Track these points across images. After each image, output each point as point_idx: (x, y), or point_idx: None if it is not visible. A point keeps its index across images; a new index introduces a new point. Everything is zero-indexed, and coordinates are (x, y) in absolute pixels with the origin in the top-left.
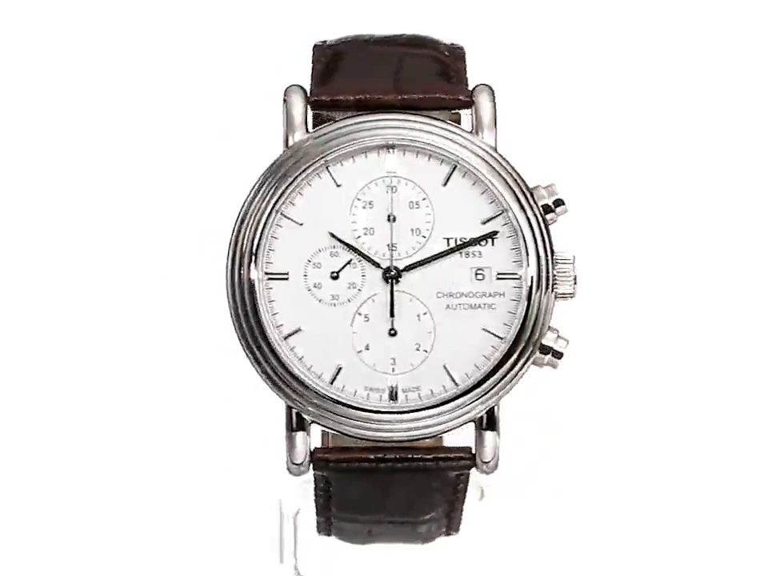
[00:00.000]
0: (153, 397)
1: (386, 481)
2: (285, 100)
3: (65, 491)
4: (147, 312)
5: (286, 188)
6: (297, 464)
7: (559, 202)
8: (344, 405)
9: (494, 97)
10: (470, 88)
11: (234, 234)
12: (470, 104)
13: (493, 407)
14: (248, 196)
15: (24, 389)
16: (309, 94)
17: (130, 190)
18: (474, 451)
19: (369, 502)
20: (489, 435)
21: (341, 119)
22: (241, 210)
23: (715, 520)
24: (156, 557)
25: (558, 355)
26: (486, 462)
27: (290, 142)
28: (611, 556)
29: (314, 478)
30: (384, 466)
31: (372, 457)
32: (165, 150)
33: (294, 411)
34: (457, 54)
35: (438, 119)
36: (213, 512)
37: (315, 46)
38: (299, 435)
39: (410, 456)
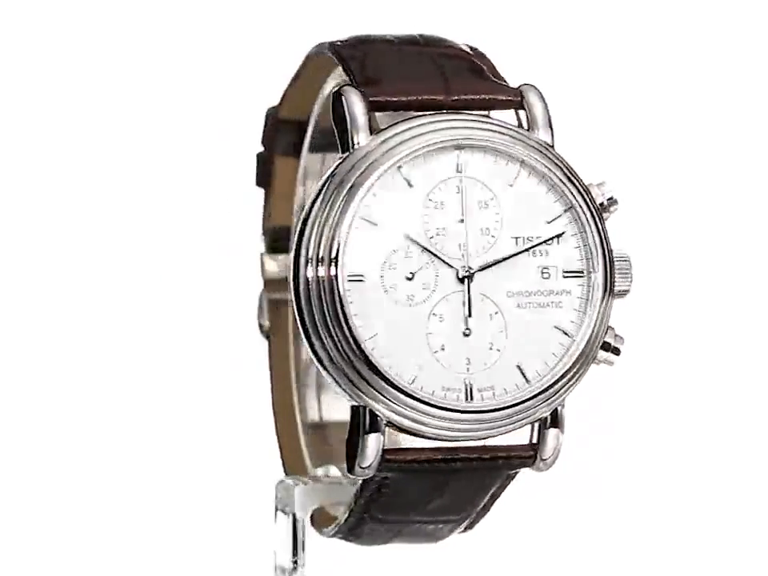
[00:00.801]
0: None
1: (444, 480)
2: (338, 99)
3: (64, 491)
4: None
5: (363, 190)
6: (364, 467)
7: (613, 201)
8: (426, 403)
9: (542, 96)
10: (515, 88)
11: (304, 236)
12: (521, 104)
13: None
14: (315, 197)
15: (27, 392)
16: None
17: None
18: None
19: (418, 502)
20: (552, 432)
21: (404, 120)
22: (309, 211)
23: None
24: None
25: (617, 352)
26: (543, 460)
27: (354, 143)
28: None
29: (364, 480)
30: (448, 466)
31: (440, 457)
32: (165, 150)
33: (368, 412)
34: (479, 54)
35: (496, 119)
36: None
37: (335, 45)
38: (372, 437)
39: (473, 456)
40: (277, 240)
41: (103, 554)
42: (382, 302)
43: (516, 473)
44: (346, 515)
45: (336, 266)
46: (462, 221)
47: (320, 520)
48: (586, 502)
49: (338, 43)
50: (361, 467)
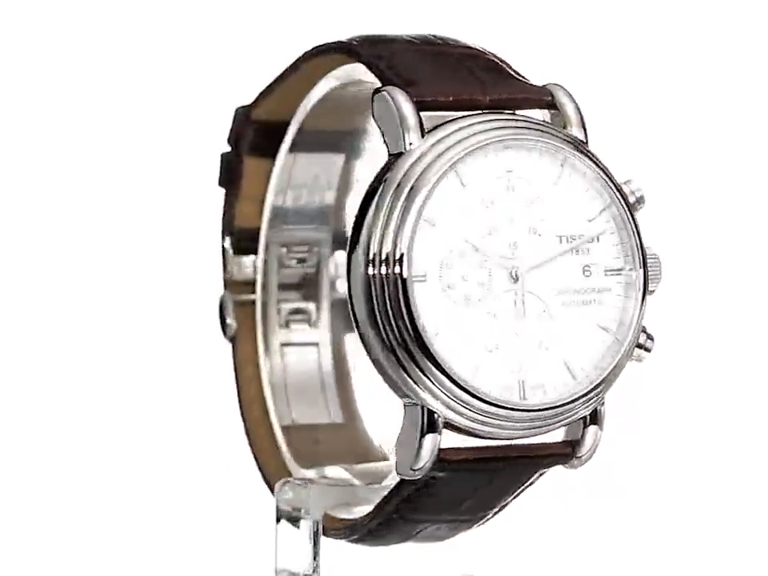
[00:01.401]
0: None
1: (486, 479)
2: (381, 99)
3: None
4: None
5: (423, 192)
6: (417, 469)
7: (641, 199)
8: (484, 401)
9: (571, 95)
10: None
11: (361, 238)
12: (551, 103)
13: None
14: (369, 199)
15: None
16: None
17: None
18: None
19: (454, 501)
20: (592, 430)
21: (451, 121)
22: (364, 213)
23: None
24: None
25: (648, 350)
26: (578, 457)
27: (407, 143)
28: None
29: (402, 480)
30: (494, 465)
31: (490, 456)
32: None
33: (426, 411)
34: (493, 54)
35: (537, 118)
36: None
37: (351, 45)
38: (429, 438)
39: (516, 454)
40: (243, 241)
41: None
42: (442, 302)
43: (546, 471)
44: (372, 516)
45: (402, 265)
46: (512, 220)
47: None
48: (597, 500)
49: (354, 42)
50: (413, 468)
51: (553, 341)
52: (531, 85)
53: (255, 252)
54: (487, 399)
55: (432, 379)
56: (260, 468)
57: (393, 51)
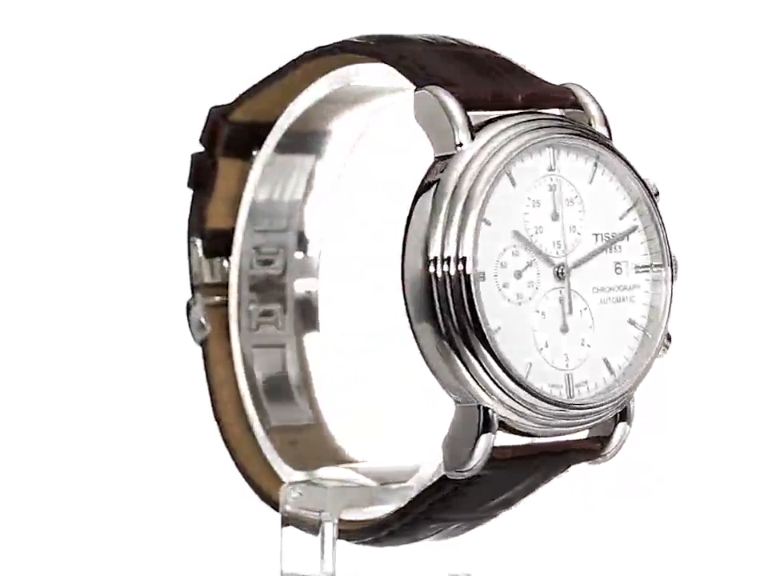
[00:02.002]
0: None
1: (523, 476)
2: (425, 99)
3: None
4: None
5: (480, 193)
6: (468, 468)
7: (658, 193)
8: (539, 397)
9: (591, 94)
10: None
11: (415, 237)
12: (575, 102)
13: None
14: (419, 200)
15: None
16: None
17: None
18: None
19: (484, 500)
20: (621, 426)
21: (497, 120)
22: (422, 212)
23: None
24: None
25: (666, 347)
26: (604, 454)
27: (457, 143)
28: None
29: (441, 479)
30: (535, 462)
31: (535, 453)
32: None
33: (482, 410)
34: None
35: (570, 118)
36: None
37: (369, 44)
38: (485, 437)
39: (554, 450)
40: (214, 243)
41: None
42: (498, 300)
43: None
44: (396, 517)
45: (465, 264)
46: (555, 219)
47: None
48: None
49: (372, 43)
50: (464, 468)
51: (593, 338)
52: (552, 84)
53: (226, 254)
54: (541, 396)
55: (490, 373)
56: (241, 469)
57: (414, 51)
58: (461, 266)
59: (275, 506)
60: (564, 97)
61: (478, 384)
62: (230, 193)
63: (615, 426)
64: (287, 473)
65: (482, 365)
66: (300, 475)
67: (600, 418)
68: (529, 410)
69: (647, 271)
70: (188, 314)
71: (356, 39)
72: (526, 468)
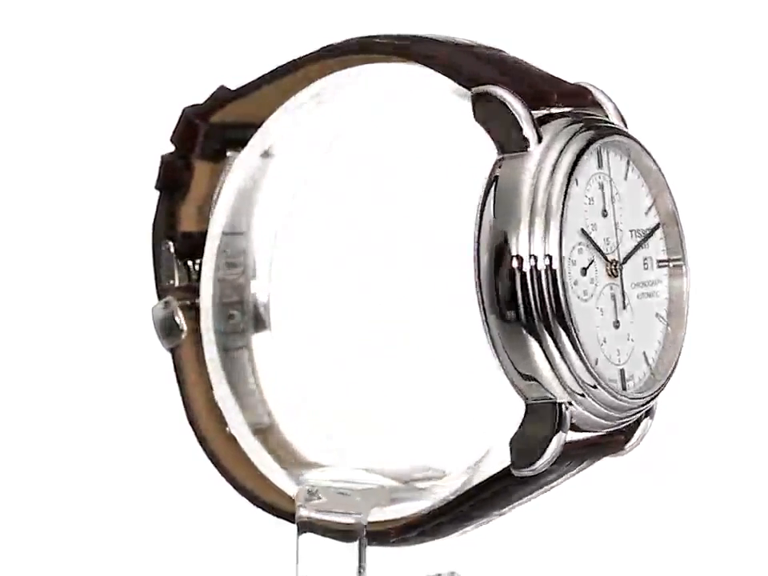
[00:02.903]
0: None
1: (566, 469)
2: (489, 99)
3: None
4: None
5: (558, 193)
6: (536, 468)
7: None
8: (608, 390)
9: (605, 93)
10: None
11: (488, 234)
12: (594, 101)
13: None
14: (507, 197)
15: None
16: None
17: None
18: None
19: (524, 495)
20: (644, 421)
21: (552, 119)
22: (499, 209)
23: None
24: None
25: None
26: (627, 448)
27: (526, 142)
28: None
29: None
30: (579, 457)
31: (581, 448)
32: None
33: (558, 408)
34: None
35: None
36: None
37: (401, 45)
38: (559, 437)
39: (594, 443)
40: (185, 246)
41: None
42: (572, 297)
43: None
44: (433, 515)
45: (551, 260)
46: (605, 215)
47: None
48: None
49: (396, 43)
50: (535, 466)
51: (636, 333)
52: (570, 83)
53: (196, 257)
54: (608, 389)
55: (569, 363)
56: (227, 475)
57: (443, 52)
58: (547, 262)
59: (264, 507)
60: (584, 95)
61: (554, 372)
62: (201, 195)
63: (639, 420)
64: (274, 471)
65: (561, 355)
66: (299, 475)
67: (643, 410)
68: (595, 402)
69: (666, 266)
70: (160, 317)
71: (378, 39)
72: (571, 462)
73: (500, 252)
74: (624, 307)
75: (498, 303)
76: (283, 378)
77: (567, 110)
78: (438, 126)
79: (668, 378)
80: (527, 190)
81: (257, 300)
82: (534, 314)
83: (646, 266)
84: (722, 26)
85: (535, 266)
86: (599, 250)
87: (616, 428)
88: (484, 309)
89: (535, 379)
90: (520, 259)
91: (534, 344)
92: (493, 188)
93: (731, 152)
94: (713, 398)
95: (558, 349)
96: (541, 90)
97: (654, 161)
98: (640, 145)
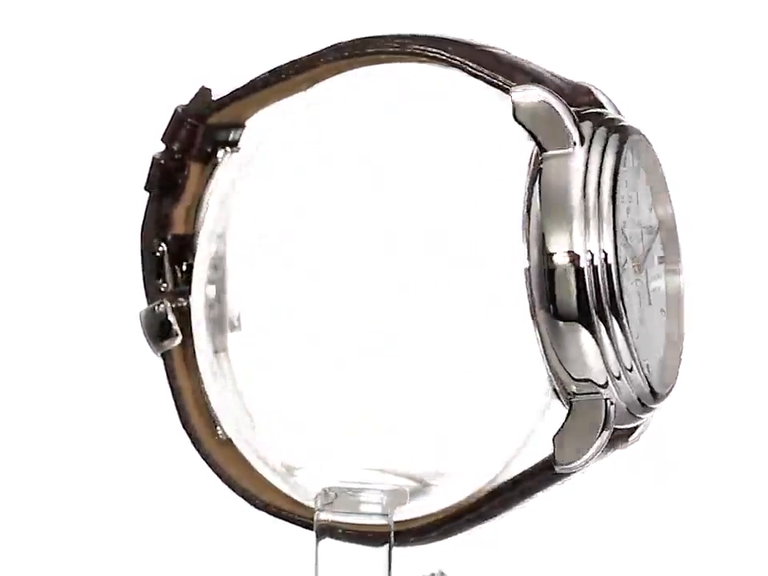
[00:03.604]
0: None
1: (591, 462)
2: (536, 99)
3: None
4: None
5: (608, 191)
6: (580, 464)
7: None
8: (648, 384)
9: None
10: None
11: (550, 228)
12: (597, 99)
13: None
14: (555, 198)
15: None
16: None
17: None
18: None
19: (544, 491)
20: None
21: (585, 116)
22: (552, 208)
23: None
24: None
25: None
26: (631, 440)
27: (570, 143)
28: None
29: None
30: (606, 448)
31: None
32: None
33: (606, 404)
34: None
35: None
36: None
37: (439, 41)
38: (604, 434)
39: (615, 436)
40: (178, 248)
41: None
42: (625, 291)
43: None
44: (458, 515)
45: (607, 256)
46: (629, 213)
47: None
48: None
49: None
50: (578, 464)
51: (652, 327)
52: (577, 82)
53: (184, 260)
54: (648, 380)
55: (620, 357)
56: (227, 481)
57: (462, 52)
58: (602, 257)
59: (263, 507)
60: (589, 94)
61: (604, 363)
62: (190, 196)
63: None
64: (267, 472)
65: (612, 343)
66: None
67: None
68: (635, 395)
69: (663, 263)
70: (152, 322)
71: (392, 40)
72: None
73: (552, 249)
74: (649, 303)
75: (550, 299)
76: (259, 380)
77: (585, 109)
78: (460, 126)
79: (677, 374)
80: (577, 189)
81: (234, 302)
82: (588, 306)
83: (655, 262)
84: (721, 26)
85: (591, 261)
86: (630, 247)
87: (636, 420)
88: (533, 304)
89: (581, 371)
90: (575, 256)
91: (584, 334)
92: (537, 186)
93: (731, 152)
94: (713, 398)
95: (610, 338)
96: (566, 90)
97: (657, 158)
98: (647, 141)
